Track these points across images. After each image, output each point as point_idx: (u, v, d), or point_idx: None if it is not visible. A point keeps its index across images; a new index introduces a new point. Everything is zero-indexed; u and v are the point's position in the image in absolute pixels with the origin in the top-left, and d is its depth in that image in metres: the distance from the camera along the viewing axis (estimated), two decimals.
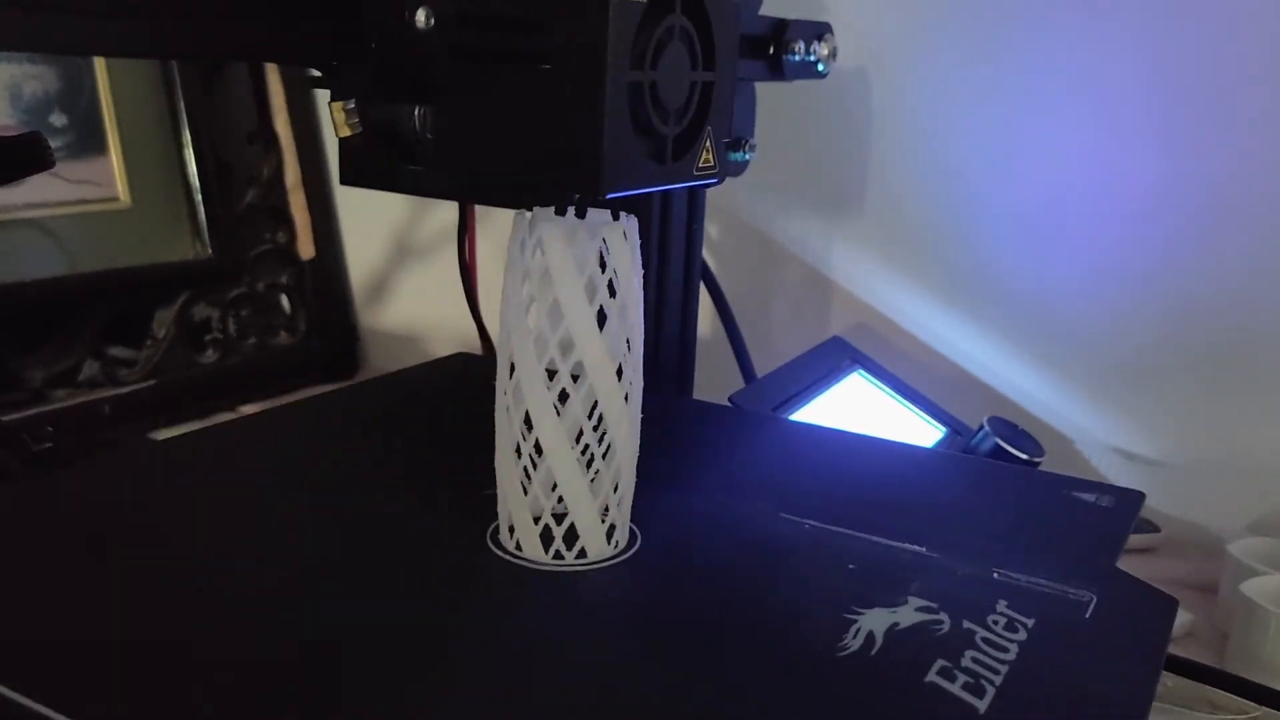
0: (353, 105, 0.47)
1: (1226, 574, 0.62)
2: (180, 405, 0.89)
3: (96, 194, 0.88)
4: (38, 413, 0.81)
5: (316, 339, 1.03)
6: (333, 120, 0.47)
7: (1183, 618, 0.61)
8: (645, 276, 0.64)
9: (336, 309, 1.06)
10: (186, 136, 0.93)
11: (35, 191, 0.83)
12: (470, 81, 0.41)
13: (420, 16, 0.42)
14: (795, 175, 0.84)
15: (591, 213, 0.40)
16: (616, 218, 0.39)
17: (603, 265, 0.39)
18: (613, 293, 0.39)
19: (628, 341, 0.40)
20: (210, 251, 0.95)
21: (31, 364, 0.84)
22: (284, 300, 1.02)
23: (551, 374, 0.39)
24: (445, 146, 0.42)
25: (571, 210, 0.39)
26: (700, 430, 0.57)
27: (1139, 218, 0.73)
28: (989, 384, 0.80)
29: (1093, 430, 0.77)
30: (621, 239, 0.39)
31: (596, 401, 0.39)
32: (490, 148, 0.41)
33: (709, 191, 0.67)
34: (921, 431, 0.71)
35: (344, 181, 0.48)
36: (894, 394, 0.73)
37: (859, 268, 0.84)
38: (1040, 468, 0.63)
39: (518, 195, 0.41)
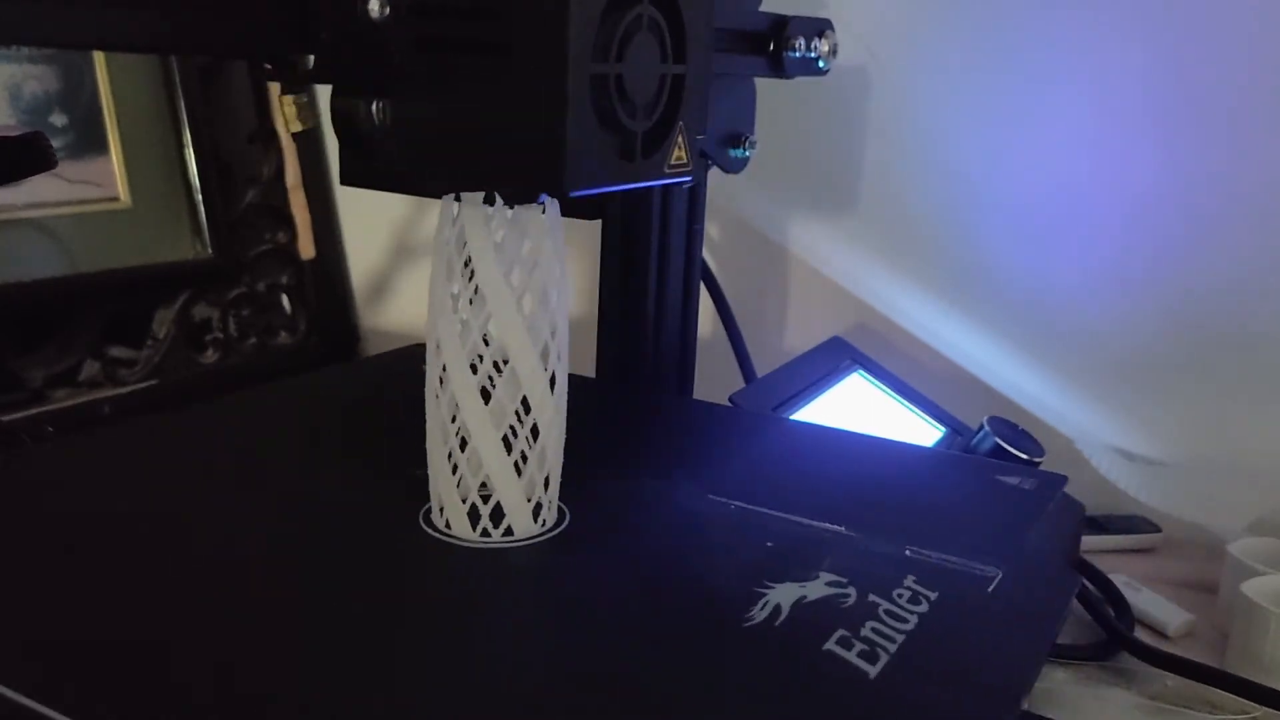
0: (306, 99, 0.47)
1: (1226, 574, 0.62)
2: (180, 405, 0.89)
3: (96, 194, 0.88)
4: (38, 413, 0.81)
5: (317, 339, 1.03)
6: (283, 115, 0.47)
7: (1183, 618, 0.61)
8: (645, 276, 0.65)
9: (337, 309, 1.06)
10: (186, 136, 0.93)
11: (35, 191, 0.83)
12: (428, 74, 0.39)
13: (374, 6, 0.40)
14: (795, 175, 0.84)
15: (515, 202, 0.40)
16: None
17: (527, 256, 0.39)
18: (536, 280, 0.40)
19: (552, 327, 0.40)
20: (210, 251, 0.95)
21: (31, 364, 0.84)
22: (284, 300, 1.02)
23: (483, 358, 0.40)
24: (404, 142, 0.41)
25: (498, 199, 0.39)
26: (648, 420, 0.60)
27: (1139, 218, 0.73)
28: (989, 384, 0.80)
29: (1093, 430, 0.77)
30: (541, 224, 0.39)
31: (521, 384, 0.40)
32: (451, 143, 0.40)
33: (709, 191, 0.67)
34: (921, 431, 0.71)
35: (344, 181, 0.48)
36: (894, 394, 0.74)
37: (859, 268, 0.84)
38: (1040, 467, 0.63)
39: (499, 193, 0.40)
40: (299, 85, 0.48)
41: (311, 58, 0.45)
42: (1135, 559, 0.70)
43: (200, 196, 0.94)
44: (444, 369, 0.40)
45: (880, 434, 0.61)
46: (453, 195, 0.39)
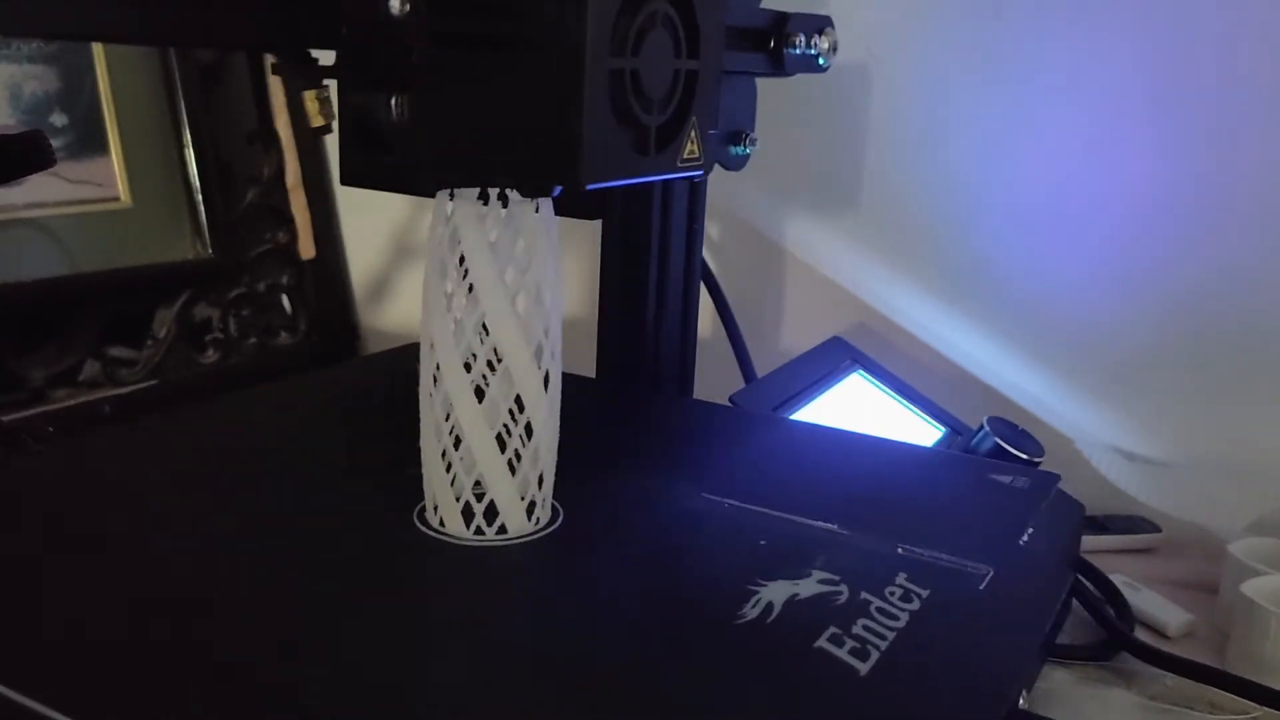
0: (326, 94, 0.47)
1: (1227, 574, 0.61)
2: (180, 405, 0.89)
3: (97, 194, 0.88)
4: (38, 413, 0.81)
5: (317, 339, 1.03)
6: (305, 110, 0.47)
7: (1183, 618, 0.61)
8: (645, 276, 0.65)
9: (337, 309, 1.06)
10: (186, 136, 0.93)
11: (35, 191, 0.83)
12: (447, 69, 0.40)
13: (395, 2, 0.40)
14: (795, 175, 0.84)
15: (510, 199, 0.40)
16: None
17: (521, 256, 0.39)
18: (530, 279, 0.40)
19: (546, 326, 0.41)
20: (210, 251, 0.95)
21: (32, 364, 0.84)
22: (284, 300, 1.02)
23: (476, 357, 0.40)
24: (422, 136, 0.41)
25: (493, 196, 0.39)
26: (643, 418, 0.60)
27: (1139, 217, 0.73)
28: (989, 384, 0.80)
29: (1093, 430, 0.77)
30: (536, 223, 0.39)
31: (515, 384, 0.40)
32: (468, 137, 0.40)
33: (709, 191, 0.67)
34: (921, 431, 0.71)
35: (344, 181, 0.48)
36: (894, 394, 0.73)
37: (859, 268, 0.84)
38: (1040, 467, 0.63)
39: (504, 186, 0.40)
40: (318, 81, 0.48)
41: (331, 53, 0.45)
42: (1135, 559, 0.70)
43: (200, 196, 0.94)
44: (438, 368, 0.40)
45: (879, 434, 0.61)
46: (447, 193, 0.39)
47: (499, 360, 0.40)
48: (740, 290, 0.81)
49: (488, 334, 0.40)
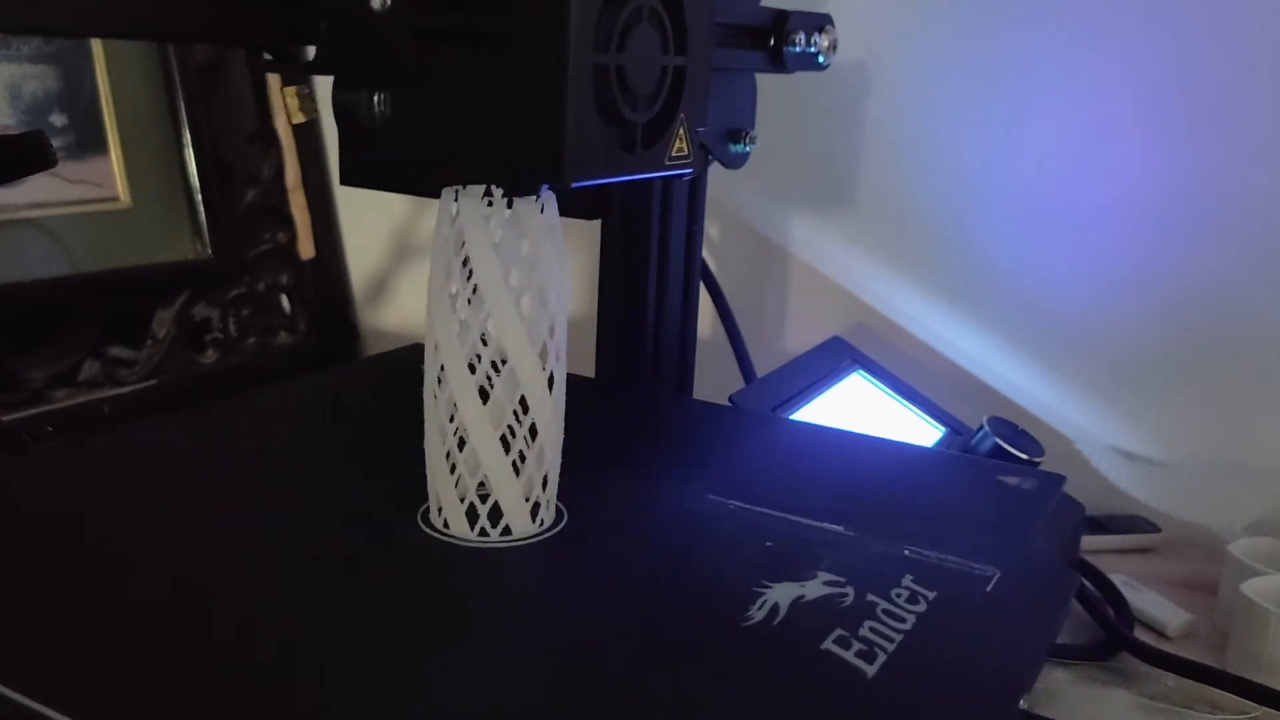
0: (307, 90, 0.46)
1: (1226, 574, 0.62)
2: (180, 405, 0.89)
3: (96, 194, 0.88)
4: (38, 413, 0.81)
5: (317, 339, 1.03)
6: (285, 106, 0.47)
7: (1183, 618, 0.61)
8: (645, 276, 0.65)
9: (337, 309, 1.06)
10: (186, 136, 0.93)
11: (35, 191, 0.83)
12: (429, 65, 0.39)
13: None
14: (795, 175, 0.84)
15: (515, 199, 0.39)
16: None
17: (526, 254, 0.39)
18: (535, 280, 0.40)
19: (551, 327, 0.40)
20: (210, 251, 0.95)
21: (31, 364, 0.84)
22: (284, 300, 1.02)
23: (481, 358, 0.40)
24: (404, 133, 0.41)
25: (497, 196, 0.39)
26: (646, 420, 0.60)
27: (1139, 217, 0.73)
28: (989, 384, 0.80)
29: (1093, 430, 0.77)
30: (540, 223, 0.39)
31: (519, 384, 0.40)
32: (451, 134, 0.40)
33: (709, 191, 0.67)
34: (921, 431, 0.71)
35: (344, 182, 0.48)
36: (894, 394, 0.73)
37: (859, 268, 0.84)
38: (1040, 467, 0.63)
39: (488, 184, 0.40)
40: (300, 77, 0.48)
41: (312, 49, 0.45)
42: (1135, 559, 0.70)
43: (200, 196, 0.94)
44: (442, 368, 0.40)
45: (880, 434, 0.61)
46: (451, 193, 0.39)
47: (503, 361, 0.40)
48: (740, 290, 0.81)
49: (492, 335, 0.40)
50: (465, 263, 0.39)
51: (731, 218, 0.87)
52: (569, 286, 0.42)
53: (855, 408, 0.72)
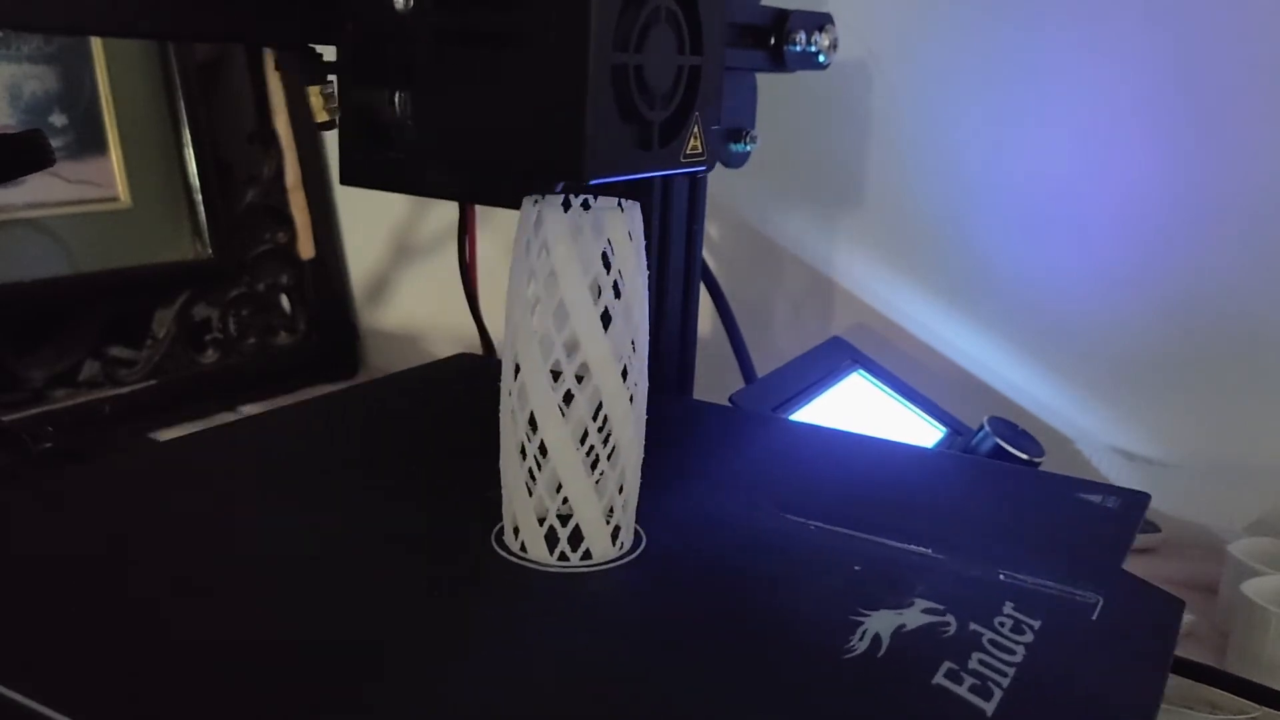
0: (331, 90, 0.46)
1: (1227, 574, 0.62)
2: (180, 405, 0.89)
3: (96, 194, 0.88)
4: (38, 413, 0.81)
5: (316, 339, 1.03)
6: (310, 105, 0.47)
7: (1183, 618, 0.61)
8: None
9: (336, 309, 1.06)
10: (186, 136, 0.93)
11: (35, 191, 0.83)
12: (450, 64, 0.39)
13: None
14: (795, 175, 0.84)
15: (597, 210, 0.39)
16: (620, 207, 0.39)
17: (608, 265, 0.38)
18: (618, 293, 0.39)
19: (633, 342, 0.39)
20: (210, 251, 0.95)
21: (31, 364, 0.84)
22: (284, 300, 1.02)
23: (557, 375, 0.38)
24: (425, 132, 0.41)
25: (578, 207, 0.39)
26: (701, 430, 0.57)
27: (1139, 217, 0.73)
28: (989, 384, 0.80)
29: (1093, 430, 0.77)
30: (626, 239, 0.39)
31: (601, 402, 0.39)
32: (472, 133, 0.40)
33: (709, 191, 0.67)
34: (921, 431, 0.71)
35: (344, 181, 0.48)
36: (894, 394, 0.73)
37: (859, 268, 0.84)
38: (1040, 468, 0.63)
39: (513, 188, 0.40)
40: (323, 77, 0.48)
41: (334, 49, 0.45)
42: (1135, 559, 0.70)
43: (200, 196, 0.94)
44: (522, 386, 0.38)
45: (878, 434, 0.61)
46: (533, 202, 0.38)
47: (583, 378, 0.38)
48: (740, 290, 0.81)
49: (576, 351, 0.38)
50: (547, 276, 0.37)
51: (731, 218, 0.87)
52: (651, 300, 0.40)
53: (855, 408, 0.72)
